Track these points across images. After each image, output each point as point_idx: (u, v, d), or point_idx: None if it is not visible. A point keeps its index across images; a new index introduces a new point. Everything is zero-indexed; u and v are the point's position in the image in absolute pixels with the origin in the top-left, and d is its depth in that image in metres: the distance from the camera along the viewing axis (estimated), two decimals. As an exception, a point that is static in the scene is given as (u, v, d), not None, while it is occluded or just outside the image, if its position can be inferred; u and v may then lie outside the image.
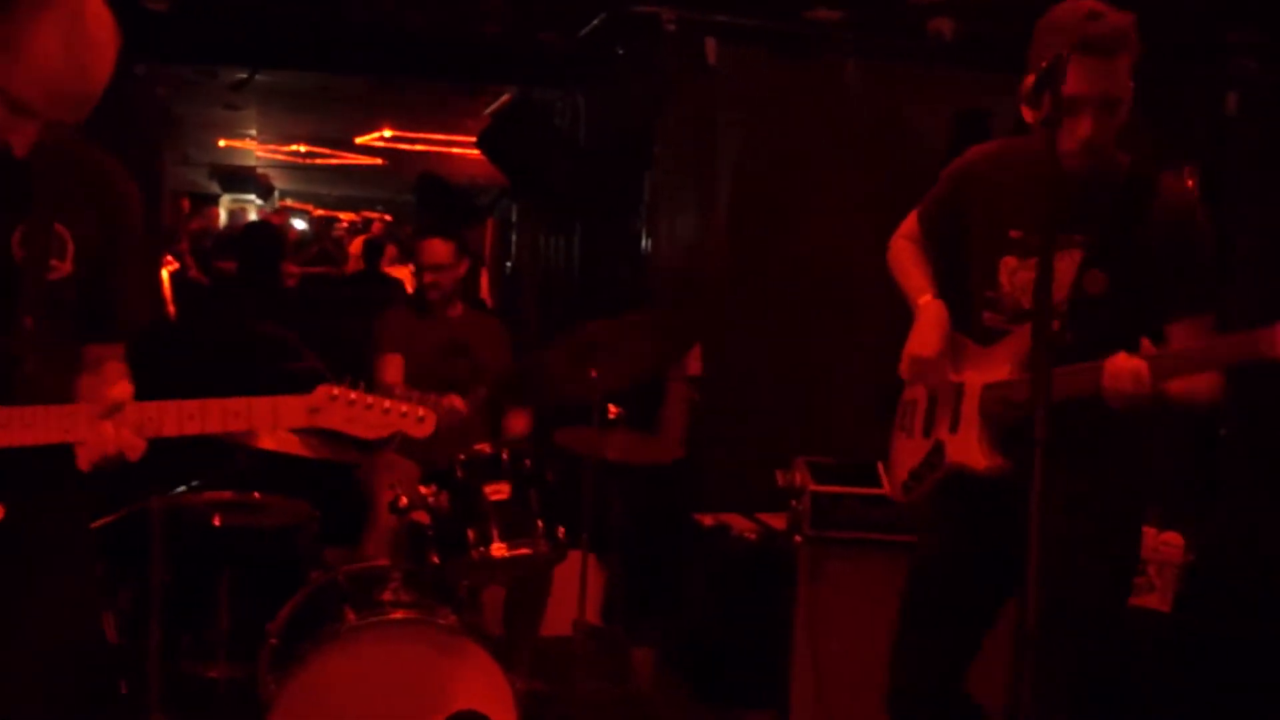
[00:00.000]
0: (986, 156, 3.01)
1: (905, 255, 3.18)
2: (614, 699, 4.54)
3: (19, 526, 2.25)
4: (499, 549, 3.77)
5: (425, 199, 9.74)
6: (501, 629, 4.59)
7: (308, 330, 5.32)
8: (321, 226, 17.58)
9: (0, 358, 2.23)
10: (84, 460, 2.21)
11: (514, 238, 9.85)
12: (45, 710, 2.36)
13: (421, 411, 2.31)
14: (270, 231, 14.17)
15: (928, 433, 3.03)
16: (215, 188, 15.84)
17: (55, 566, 2.40)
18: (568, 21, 6.52)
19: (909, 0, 5.59)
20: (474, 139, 7.36)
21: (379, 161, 13.27)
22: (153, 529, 3.78)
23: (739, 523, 4.96)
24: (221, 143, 12.98)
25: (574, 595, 4.26)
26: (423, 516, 3.84)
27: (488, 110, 8.54)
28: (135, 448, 2.21)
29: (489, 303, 9.70)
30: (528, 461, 3.90)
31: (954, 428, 2.92)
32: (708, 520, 5.06)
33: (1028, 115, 2.76)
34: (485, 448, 3.94)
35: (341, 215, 19.03)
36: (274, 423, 2.28)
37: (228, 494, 4.36)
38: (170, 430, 2.24)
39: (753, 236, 6.03)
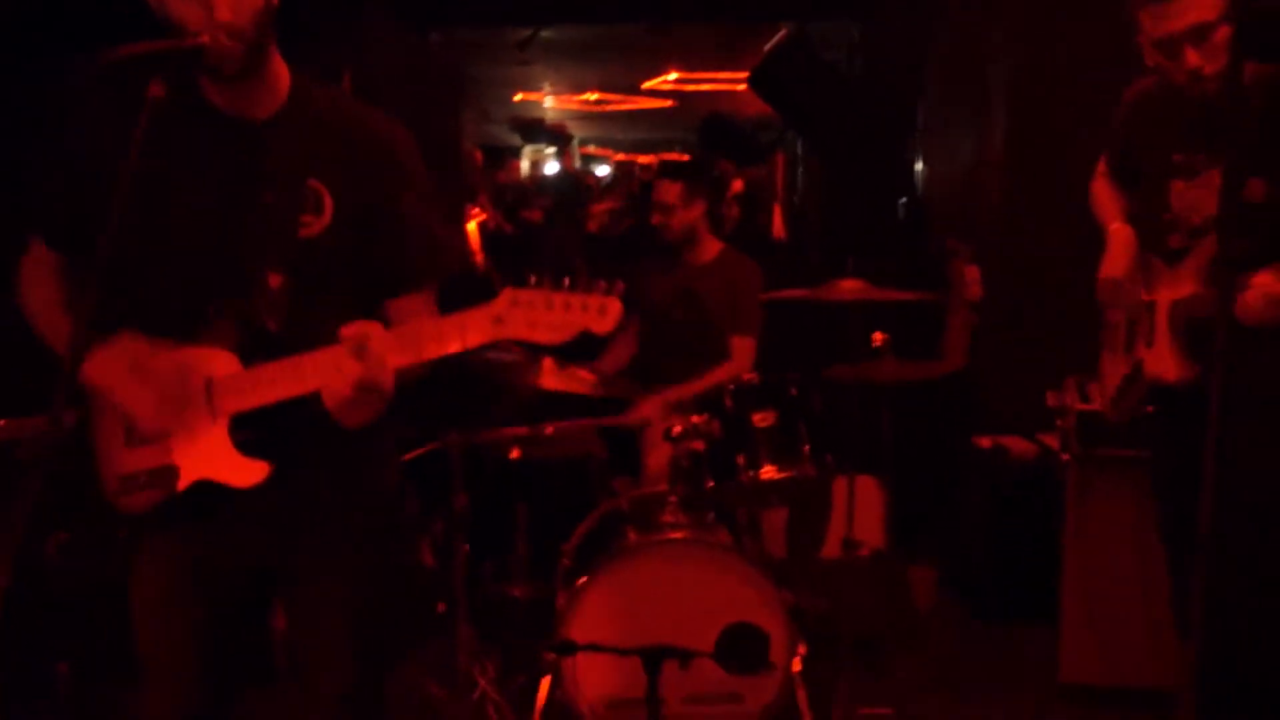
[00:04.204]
0: (1141, 92, 3.16)
1: (1101, 191, 3.38)
2: (890, 616, 4.65)
3: (303, 491, 2.35)
4: (768, 472, 3.95)
5: (708, 140, 9.90)
6: (785, 551, 4.77)
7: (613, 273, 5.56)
8: (624, 170, 17.98)
9: (246, 320, 2.27)
10: (332, 412, 2.19)
11: (799, 172, 9.93)
12: (356, 659, 2.48)
13: (601, 302, 2.06)
14: (571, 180, 14.72)
15: (1129, 350, 3.17)
16: (516, 140, 16.47)
17: (338, 520, 2.45)
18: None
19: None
20: (759, 76, 7.44)
21: (669, 103, 13.53)
22: (453, 464, 4.11)
23: (1017, 444, 4.99)
24: (518, 97, 13.53)
25: (865, 518, 4.43)
26: (697, 444, 4.04)
27: (767, 46, 8.63)
28: (353, 377, 2.11)
29: (782, 238, 9.76)
30: (793, 390, 4.05)
31: (1150, 343, 3.06)
32: (986, 443, 5.10)
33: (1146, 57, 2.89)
34: (753, 378, 4.13)
35: (640, 158, 19.42)
36: (464, 340, 2.11)
37: (523, 429, 4.63)
38: (397, 360, 2.14)
39: (1030, 157, 5.94)
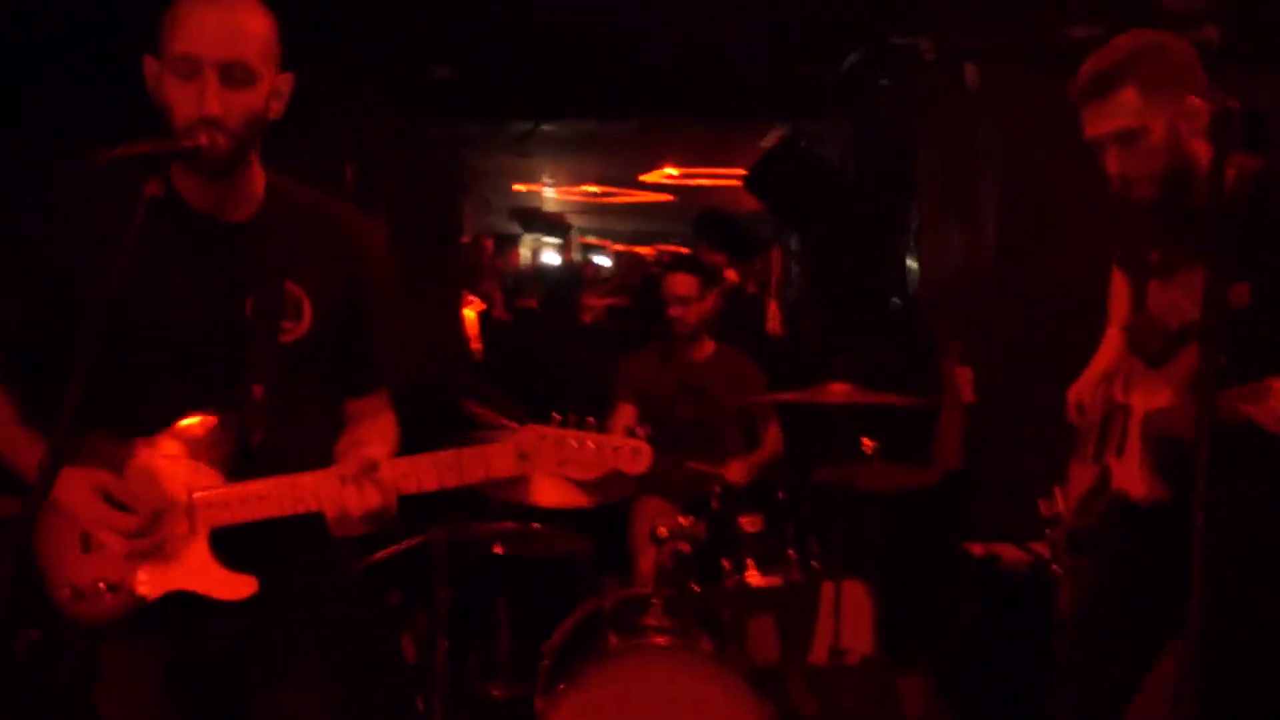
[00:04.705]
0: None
1: (1113, 285, 3.23)
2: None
3: (277, 597, 2.28)
4: (753, 577, 3.91)
5: (703, 234, 9.95)
6: (774, 657, 4.70)
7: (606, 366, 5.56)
8: (627, 261, 18.08)
9: (230, 432, 2.22)
10: (333, 527, 2.17)
11: (794, 267, 9.94)
12: None
13: (635, 444, 2.10)
14: (569, 270, 14.76)
15: (1098, 457, 3.00)
16: (516, 229, 16.56)
17: (318, 635, 2.42)
18: (829, 55, 6.64)
19: (1166, 8, 5.42)
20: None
21: (668, 197, 13.60)
22: (435, 560, 4.06)
23: (1010, 552, 4.92)
24: (518, 187, 13.61)
25: (854, 624, 4.37)
26: (683, 546, 4.00)
27: (764, 143, 8.69)
28: (370, 508, 2.12)
29: (778, 333, 9.75)
30: (780, 493, 4.02)
31: (1120, 452, 2.89)
32: (978, 549, 5.04)
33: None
34: (741, 481, 4.10)
35: (640, 249, 19.50)
36: (486, 473, 2.12)
37: (509, 524, 4.60)
38: (409, 488, 2.16)
39: (1021, 259, 5.95)
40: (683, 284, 4.96)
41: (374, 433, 2.40)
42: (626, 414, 4.90)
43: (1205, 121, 2.66)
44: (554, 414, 2.12)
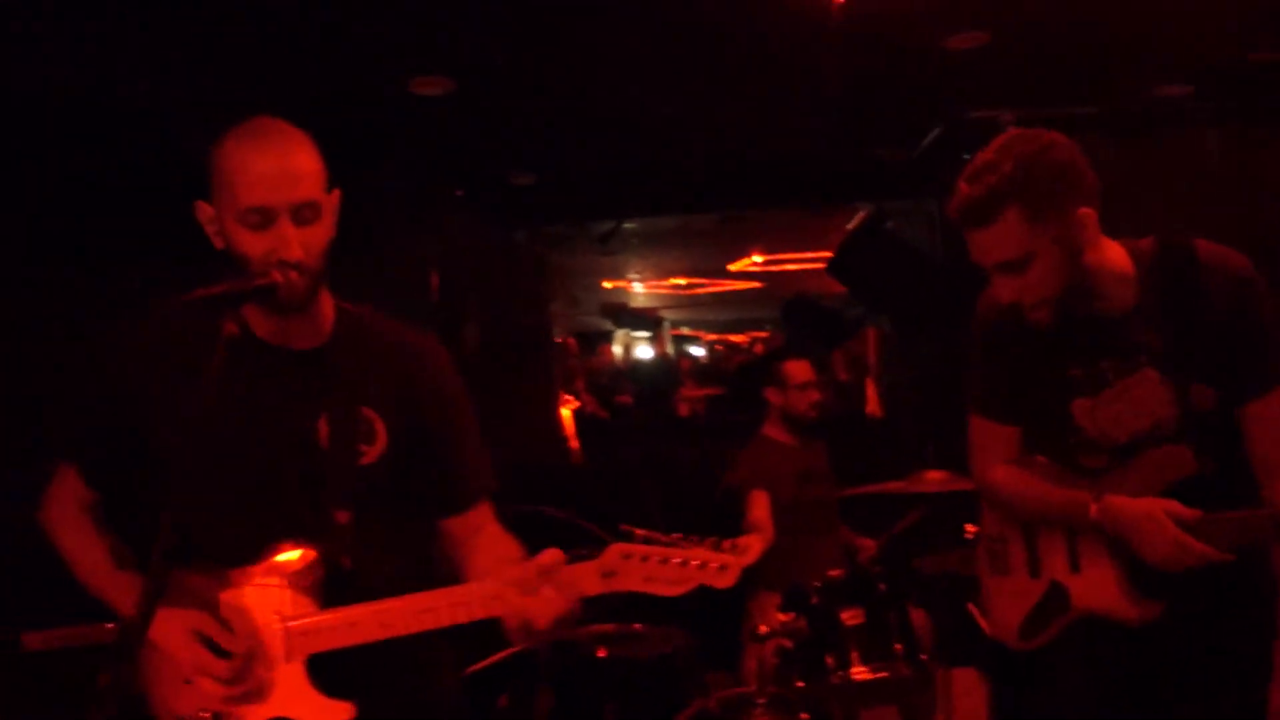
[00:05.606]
0: (998, 307, 2.63)
1: (1013, 483, 2.77)
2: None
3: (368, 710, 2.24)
4: (859, 672, 3.81)
5: (792, 321, 9.88)
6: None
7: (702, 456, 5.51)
8: (726, 352, 18.11)
9: (323, 559, 2.23)
10: (513, 636, 2.15)
11: (890, 347, 9.81)
12: None
13: (722, 560, 2.05)
14: (663, 364, 14.79)
15: (1035, 573, 2.73)
16: (608, 325, 16.66)
17: None
18: (910, 134, 6.60)
19: (1251, 58, 5.32)
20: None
21: (757, 285, 13.60)
22: (538, 665, 4.02)
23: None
24: (606, 284, 13.71)
25: (967, 712, 4.24)
26: (785, 643, 3.93)
27: (849, 225, 8.65)
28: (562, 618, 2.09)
29: (878, 415, 9.61)
30: (882, 586, 3.93)
31: (1075, 568, 2.65)
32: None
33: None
34: (838, 573, 4.01)
35: (733, 337, 19.49)
36: (572, 592, 2.09)
37: (610, 627, 4.54)
38: (495, 609, 2.12)
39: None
40: (802, 370, 4.98)
41: (499, 546, 2.37)
42: (762, 501, 4.83)
43: (1096, 227, 2.47)
44: (636, 530, 2.14)
